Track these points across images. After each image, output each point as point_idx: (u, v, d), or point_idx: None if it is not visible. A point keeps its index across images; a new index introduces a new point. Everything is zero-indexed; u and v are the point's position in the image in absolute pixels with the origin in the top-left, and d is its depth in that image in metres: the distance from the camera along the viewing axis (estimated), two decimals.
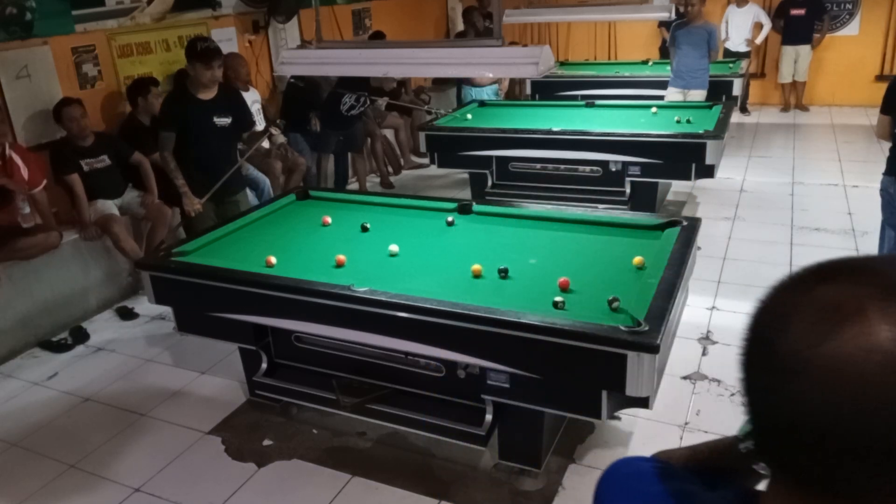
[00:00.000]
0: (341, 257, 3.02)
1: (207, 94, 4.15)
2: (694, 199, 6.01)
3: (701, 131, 4.88)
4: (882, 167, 3.81)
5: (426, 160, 6.14)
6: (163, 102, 4.41)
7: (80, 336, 4.24)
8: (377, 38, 6.89)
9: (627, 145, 4.93)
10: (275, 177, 5.58)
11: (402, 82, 7.54)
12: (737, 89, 6.93)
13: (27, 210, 4.16)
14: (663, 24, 8.45)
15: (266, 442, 3.15)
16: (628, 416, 3.13)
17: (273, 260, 3.01)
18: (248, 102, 5.60)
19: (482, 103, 6.47)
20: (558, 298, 2.48)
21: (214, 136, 4.22)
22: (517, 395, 2.57)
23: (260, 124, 5.74)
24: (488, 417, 2.70)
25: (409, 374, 2.90)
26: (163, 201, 4.82)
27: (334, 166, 6.53)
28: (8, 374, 3.92)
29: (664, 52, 8.55)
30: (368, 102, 6.28)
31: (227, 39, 5.96)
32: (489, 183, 5.49)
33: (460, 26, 7.96)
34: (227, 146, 4.35)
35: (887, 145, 3.79)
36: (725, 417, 3.13)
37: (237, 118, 4.33)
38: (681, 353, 3.49)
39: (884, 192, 3.83)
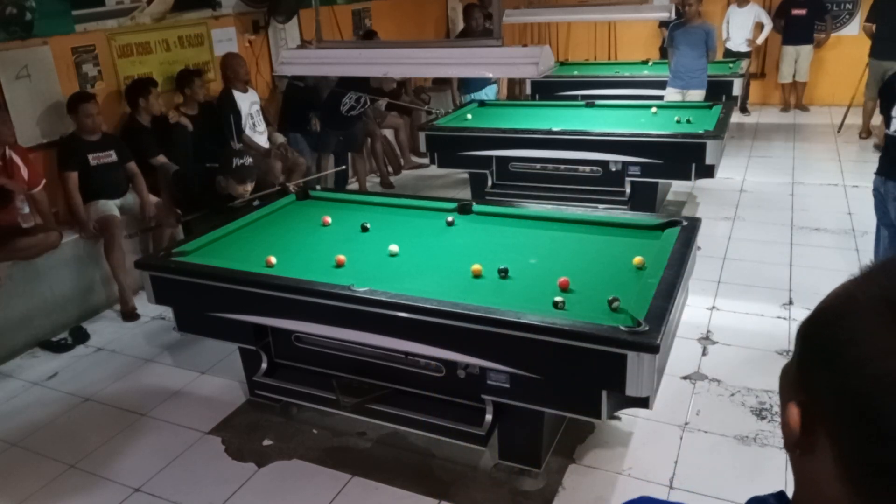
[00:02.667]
0: (341, 257, 3.02)
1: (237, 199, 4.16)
2: (694, 199, 6.01)
3: (701, 131, 4.88)
4: None
5: (426, 160, 6.13)
6: (188, 184, 4.45)
7: (80, 336, 4.24)
8: (369, 36, 6.90)
9: (627, 145, 4.93)
10: (275, 177, 5.58)
11: (402, 82, 7.53)
12: (737, 89, 6.94)
13: (27, 210, 4.17)
14: (663, 24, 8.45)
15: (266, 442, 3.15)
16: (628, 416, 3.14)
17: (273, 260, 3.01)
18: (248, 104, 5.63)
19: (482, 103, 6.47)
20: (558, 298, 2.48)
21: None
22: (517, 395, 2.57)
23: (260, 125, 5.75)
24: (488, 417, 2.70)
25: (409, 374, 2.90)
26: (169, 202, 4.83)
27: (334, 166, 6.53)
28: (8, 374, 3.92)
29: (664, 52, 8.55)
30: (368, 103, 6.28)
31: (227, 39, 5.97)
32: (489, 183, 5.48)
33: (460, 26, 7.95)
34: None
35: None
36: (725, 417, 3.13)
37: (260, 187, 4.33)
38: (681, 353, 3.49)
39: (875, 191, 3.84)
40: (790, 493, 0.69)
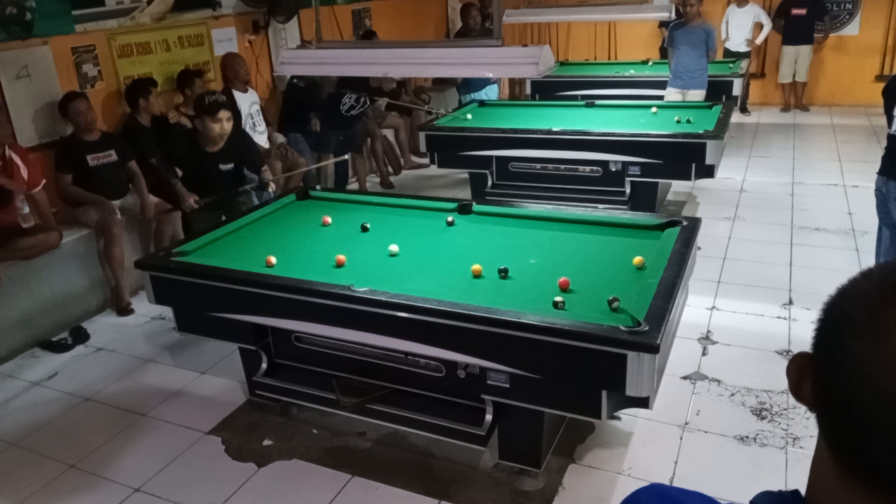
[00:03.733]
0: (341, 257, 3.02)
1: (215, 147, 4.16)
2: (694, 199, 6.01)
3: (701, 131, 4.88)
4: None
5: (426, 160, 6.14)
6: (174, 142, 4.42)
7: (80, 336, 4.24)
8: (368, 36, 6.90)
9: (627, 145, 4.93)
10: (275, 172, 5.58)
11: (402, 82, 7.53)
12: (737, 89, 6.94)
13: (27, 210, 4.15)
14: (663, 24, 8.46)
15: (266, 442, 3.15)
16: (628, 416, 3.14)
17: (273, 260, 3.01)
18: (248, 104, 5.63)
19: (482, 103, 6.47)
20: (558, 298, 2.48)
21: (219, 176, 4.27)
22: (517, 395, 2.57)
23: (260, 125, 5.74)
24: (488, 417, 2.70)
25: (409, 374, 2.90)
26: (164, 201, 4.83)
27: (334, 166, 6.53)
28: (8, 374, 3.92)
29: (664, 52, 8.55)
30: (368, 102, 6.28)
31: (227, 39, 5.97)
32: (489, 183, 5.49)
33: (460, 26, 7.94)
34: (229, 181, 4.35)
35: None
36: (725, 417, 3.13)
37: (242, 160, 4.33)
38: (681, 353, 3.49)
39: (877, 191, 3.84)
40: (800, 491, 0.70)
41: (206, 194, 4.24)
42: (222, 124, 4.01)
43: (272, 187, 4.37)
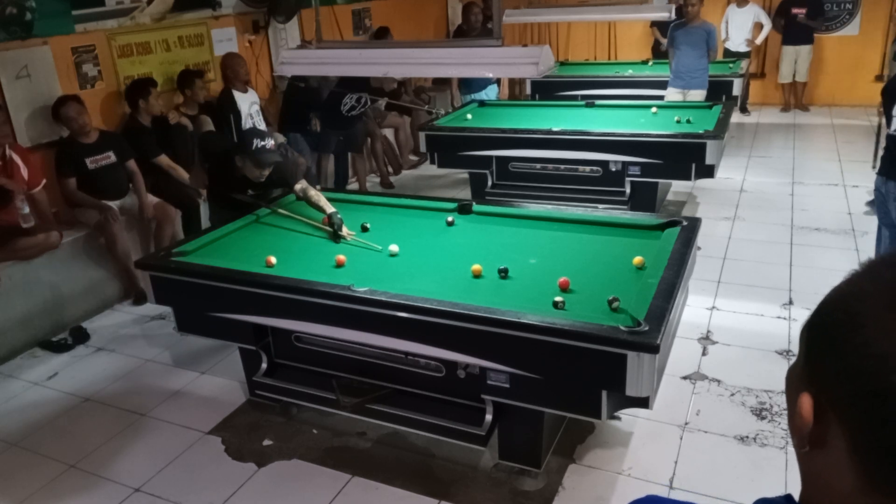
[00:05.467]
0: (341, 257, 3.02)
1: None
2: (694, 199, 6.01)
3: (701, 131, 4.88)
4: None
5: (417, 158, 6.10)
6: (210, 148, 4.07)
7: (80, 336, 4.24)
8: (381, 34, 6.89)
9: (627, 145, 4.93)
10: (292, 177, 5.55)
11: (402, 82, 7.53)
12: (737, 89, 6.94)
13: (27, 210, 4.15)
14: (655, 24, 8.48)
15: (266, 442, 3.15)
16: (628, 416, 3.14)
17: (273, 260, 3.01)
18: (247, 104, 5.63)
19: (482, 103, 6.47)
20: (558, 298, 2.48)
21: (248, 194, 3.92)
22: (517, 395, 2.57)
23: (259, 125, 5.74)
24: (488, 417, 2.70)
25: (409, 374, 2.90)
26: (164, 200, 4.83)
27: (334, 166, 6.54)
28: (8, 374, 3.92)
29: (656, 52, 8.57)
30: (369, 103, 6.28)
31: (227, 39, 5.97)
32: (489, 183, 5.49)
33: (459, 23, 7.93)
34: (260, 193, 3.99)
35: None
36: (725, 417, 3.13)
37: (276, 184, 3.94)
38: (681, 353, 3.49)
39: (876, 191, 3.84)
40: (793, 495, 0.69)
41: (229, 201, 3.97)
42: (262, 171, 3.70)
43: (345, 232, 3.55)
